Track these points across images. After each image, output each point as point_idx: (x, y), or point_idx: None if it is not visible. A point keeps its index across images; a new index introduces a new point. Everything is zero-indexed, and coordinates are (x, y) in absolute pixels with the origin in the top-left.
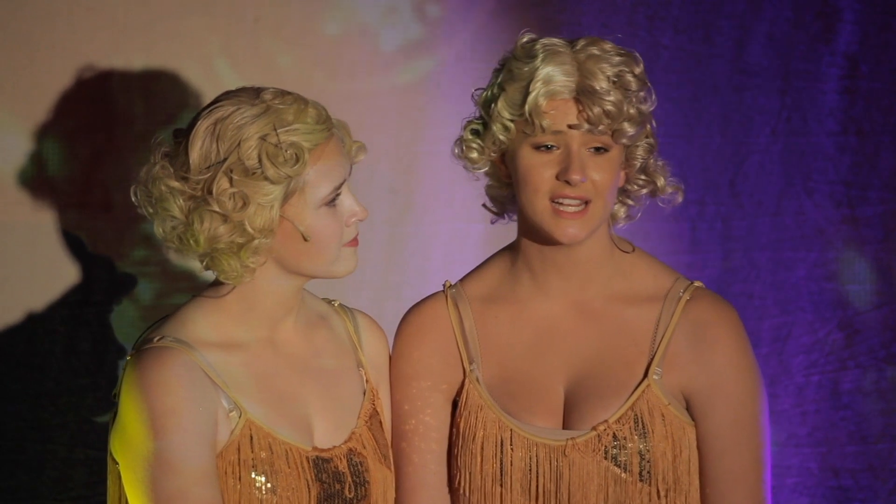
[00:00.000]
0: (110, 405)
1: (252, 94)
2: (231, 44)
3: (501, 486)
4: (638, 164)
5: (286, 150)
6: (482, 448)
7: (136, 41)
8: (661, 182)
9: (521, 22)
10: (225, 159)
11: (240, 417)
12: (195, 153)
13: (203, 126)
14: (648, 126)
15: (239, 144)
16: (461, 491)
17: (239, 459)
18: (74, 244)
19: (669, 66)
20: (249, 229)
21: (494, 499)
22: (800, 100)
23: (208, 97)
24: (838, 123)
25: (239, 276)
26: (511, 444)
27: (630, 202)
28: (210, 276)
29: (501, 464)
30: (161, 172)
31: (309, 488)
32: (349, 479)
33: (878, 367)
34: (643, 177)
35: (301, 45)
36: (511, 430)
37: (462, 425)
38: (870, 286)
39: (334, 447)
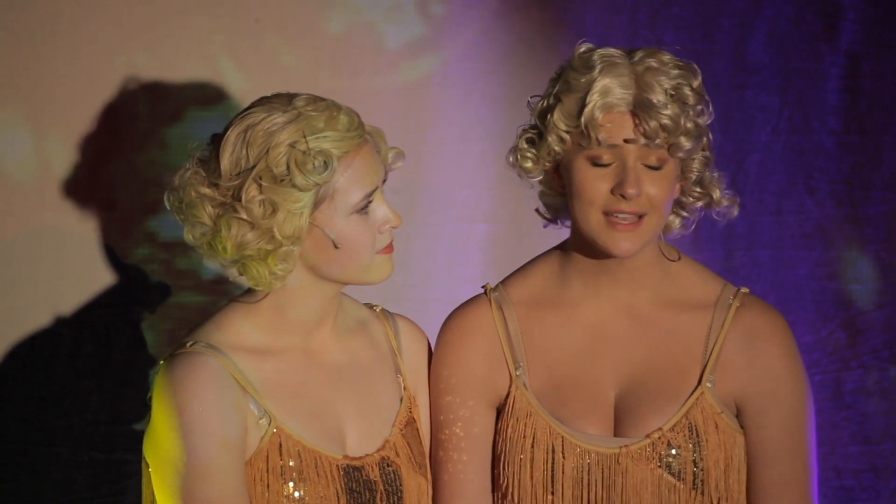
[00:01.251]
0: (114, 407)
1: (285, 100)
2: (235, 42)
3: (552, 493)
4: (694, 176)
5: (315, 158)
6: (532, 456)
7: (141, 40)
8: (716, 195)
9: (525, 21)
10: (254, 166)
11: (269, 425)
12: (225, 160)
13: (234, 132)
14: (705, 139)
15: (268, 151)
16: (510, 498)
17: (268, 467)
18: (79, 244)
19: None
20: (278, 236)
21: None
22: (801, 98)
23: (212, 96)
24: (840, 122)
25: (268, 283)
26: (563, 452)
27: (684, 213)
28: (221, 277)
29: (553, 472)
30: (193, 178)
31: (339, 497)
32: (381, 487)
33: (881, 366)
34: (699, 189)
35: (305, 44)
36: (562, 437)
37: (510, 432)
38: (872, 285)
39: (366, 455)
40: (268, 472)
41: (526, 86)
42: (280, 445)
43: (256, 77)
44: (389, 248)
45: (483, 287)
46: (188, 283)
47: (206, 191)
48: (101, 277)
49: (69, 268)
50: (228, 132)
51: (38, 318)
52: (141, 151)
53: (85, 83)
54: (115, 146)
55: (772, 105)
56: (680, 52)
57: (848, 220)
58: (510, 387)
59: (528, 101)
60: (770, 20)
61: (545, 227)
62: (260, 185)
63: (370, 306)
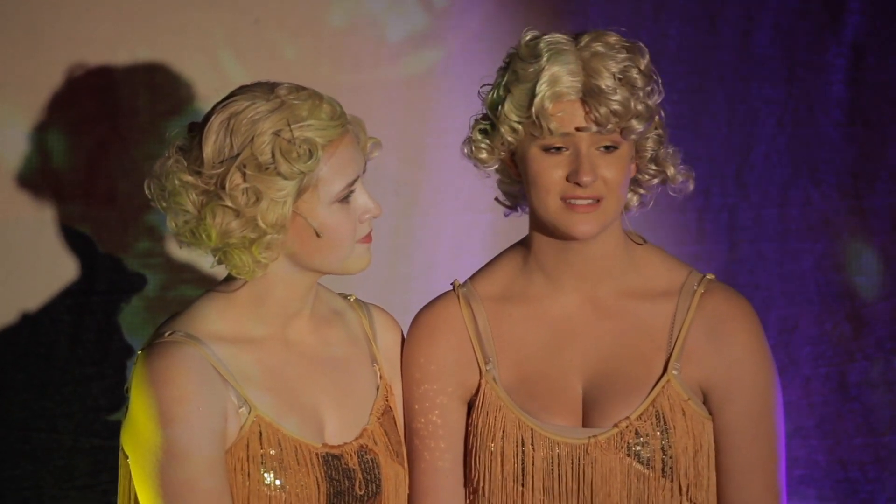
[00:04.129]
0: (115, 394)
1: (267, 89)
2: (235, 35)
3: (523, 485)
4: (648, 155)
5: (299, 146)
6: (502, 448)
7: (140, 32)
8: (671, 171)
9: (527, 12)
10: (238, 154)
11: (249, 413)
12: (209, 148)
13: (217, 121)
14: (657, 118)
15: (252, 140)
16: (481, 492)
17: (248, 456)
18: (79, 235)
19: (676, 57)
20: (262, 224)
21: (516, 498)
22: (806, 90)
23: (212, 89)
24: (845, 114)
25: (251, 272)
26: (532, 444)
27: (642, 191)
28: (221, 270)
29: (523, 464)
30: (175, 167)
31: (318, 485)
32: (360, 475)
33: (886, 358)
34: (654, 167)
35: (306, 37)
36: (531, 429)
37: (480, 426)
38: (877, 278)
39: (345, 444)
40: (248, 460)
41: None
42: (260, 434)
43: (257, 70)
44: (368, 238)
45: (452, 283)
46: (188, 276)
47: (189, 178)
48: (100, 266)
49: (70, 258)
50: (211, 120)
51: (38, 306)
52: (141, 145)
53: (85, 76)
54: (116, 139)
55: (777, 97)
56: (685, 43)
57: (853, 212)
58: (480, 381)
59: (479, 91)
60: (775, 12)
61: (506, 215)
62: (244, 174)
63: (344, 296)
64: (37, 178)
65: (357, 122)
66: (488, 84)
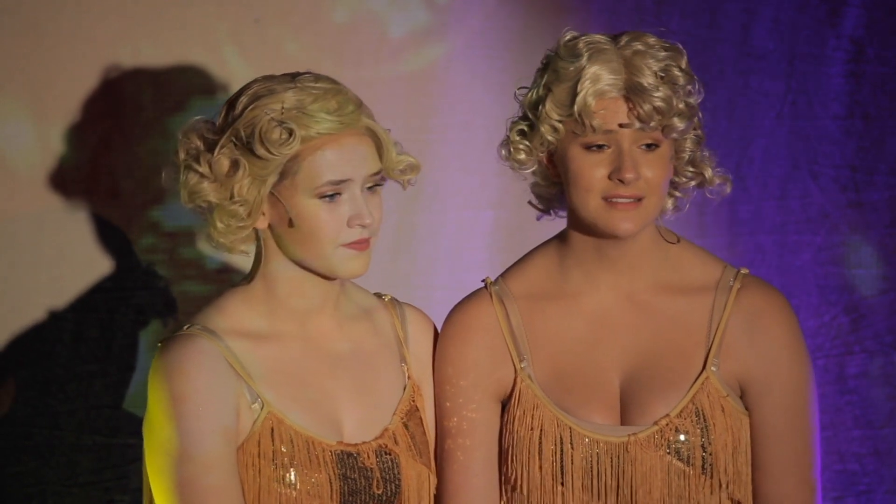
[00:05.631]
0: (118, 391)
1: (294, 75)
2: (239, 31)
3: (562, 484)
4: (686, 156)
5: (282, 130)
6: (540, 447)
7: (144, 28)
8: (709, 173)
9: (529, 8)
10: (232, 125)
11: (262, 409)
12: (221, 116)
13: (237, 94)
14: (696, 118)
15: (244, 114)
16: (519, 490)
17: (259, 452)
18: (82, 231)
19: None
20: (237, 196)
21: (556, 497)
22: (805, 84)
23: (216, 84)
24: (844, 107)
25: (225, 240)
26: (571, 443)
27: (678, 194)
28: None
29: (562, 463)
30: (197, 124)
31: (331, 483)
32: (377, 474)
33: (885, 351)
34: (691, 168)
35: (309, 33)
36: (570, 427)
37: (516, 425)
38: (876, 271)
39: (363, 443)
40: (259, 456)
41: (531, 73)
42: (272, 430)
43: (260, 66)
44: (359, 245)
45: (483, 281)
46: (192, 273)
47: (192, 137)
48: (103, 263)
49: (73, 254)
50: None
51: (41, 303)
52: (145, 141)
53: (89, 72)
54: (119, 135)
55: (776, 90)
56: (686, 37)
57: (852, 205)
58: (515, 379)
59: (516, 93)
60: (775, 6)
61: (539, 219)
62: (233, 144)
63: (379, 295)
64: (40, 174)
65: (381, 133)
66: (525, 87)
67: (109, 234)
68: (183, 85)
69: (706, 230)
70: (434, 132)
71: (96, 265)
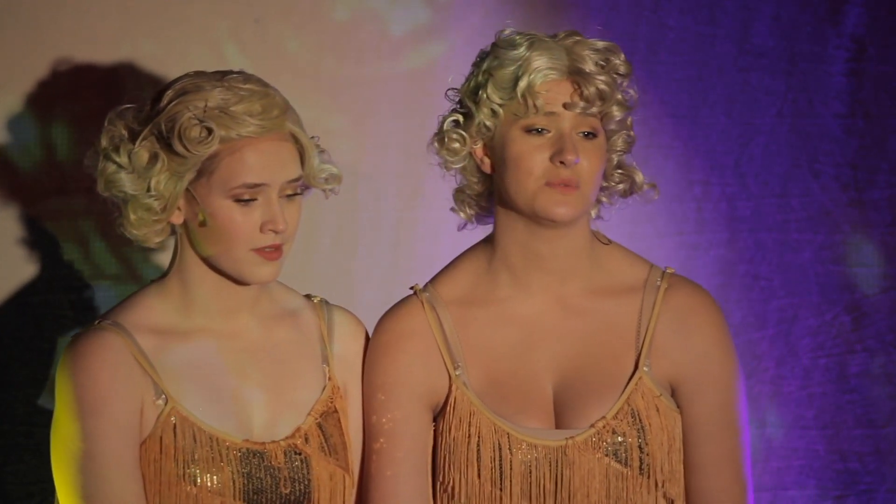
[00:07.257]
0: None
1: (224, 74)
2: (239, 28)
3: (501, 489)
4: (616, 158)
5: (200, 128)
6: (479, 453)
7: (145, 26)
8: (639, 178)
9: (529, 6)
10: (155, 118)
11: (166, 405)
12: (147, 107)
13: (167, 87)
14: (629, 119)
15: (167, 108)
16: (457, 497)
17: (161, 448)
18: (82, 228)
19: (675, 47)
20: (153, 191)
21: (494, 502)
22: (806, 82)
23: None
24: (845, 106)
25: (138, 232)
26: (510, 448)
27: (604, 199)
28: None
29: (501, 468)
30: (127, 111)
31: (234, 480)
32: (285, 473)
33: (886, 350)
34: (620, 171)
35: (310, 30)
36: (508, 433)
37: (453, 432)
38: (877, 269)
39: (272, 442)
40: (161, 452)
41: None
42: (175, 427)
43: (261, 64)
44: (271, 254)
45: (412, 288)
46: None
47: (118, 125)
48: (104, 261)
49: (73, 251)
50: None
51: (41, 300)
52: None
53: (89, 70)
54: None
55: (777, 88)
56: (684, 33)
57: (853, 203)
58: (450, 387)
59: (447, 93)
60: (775, 3)
61: (460, 229)
62: (155, 137)
63: (309, 297)
64: (41, 171)
65: (306, 140)
66: (454, 88)
67: (109, 232)
68: None
69: (705, 226)
70: (434, 129)
71: (96, 263)
